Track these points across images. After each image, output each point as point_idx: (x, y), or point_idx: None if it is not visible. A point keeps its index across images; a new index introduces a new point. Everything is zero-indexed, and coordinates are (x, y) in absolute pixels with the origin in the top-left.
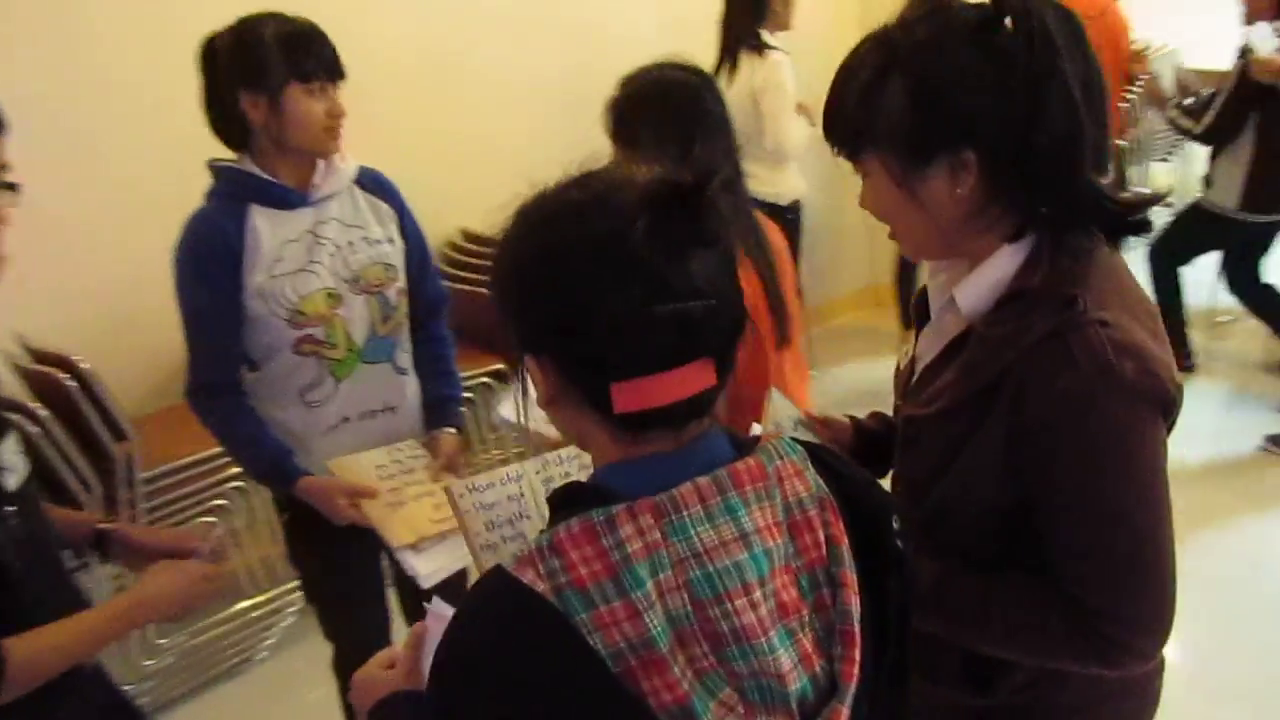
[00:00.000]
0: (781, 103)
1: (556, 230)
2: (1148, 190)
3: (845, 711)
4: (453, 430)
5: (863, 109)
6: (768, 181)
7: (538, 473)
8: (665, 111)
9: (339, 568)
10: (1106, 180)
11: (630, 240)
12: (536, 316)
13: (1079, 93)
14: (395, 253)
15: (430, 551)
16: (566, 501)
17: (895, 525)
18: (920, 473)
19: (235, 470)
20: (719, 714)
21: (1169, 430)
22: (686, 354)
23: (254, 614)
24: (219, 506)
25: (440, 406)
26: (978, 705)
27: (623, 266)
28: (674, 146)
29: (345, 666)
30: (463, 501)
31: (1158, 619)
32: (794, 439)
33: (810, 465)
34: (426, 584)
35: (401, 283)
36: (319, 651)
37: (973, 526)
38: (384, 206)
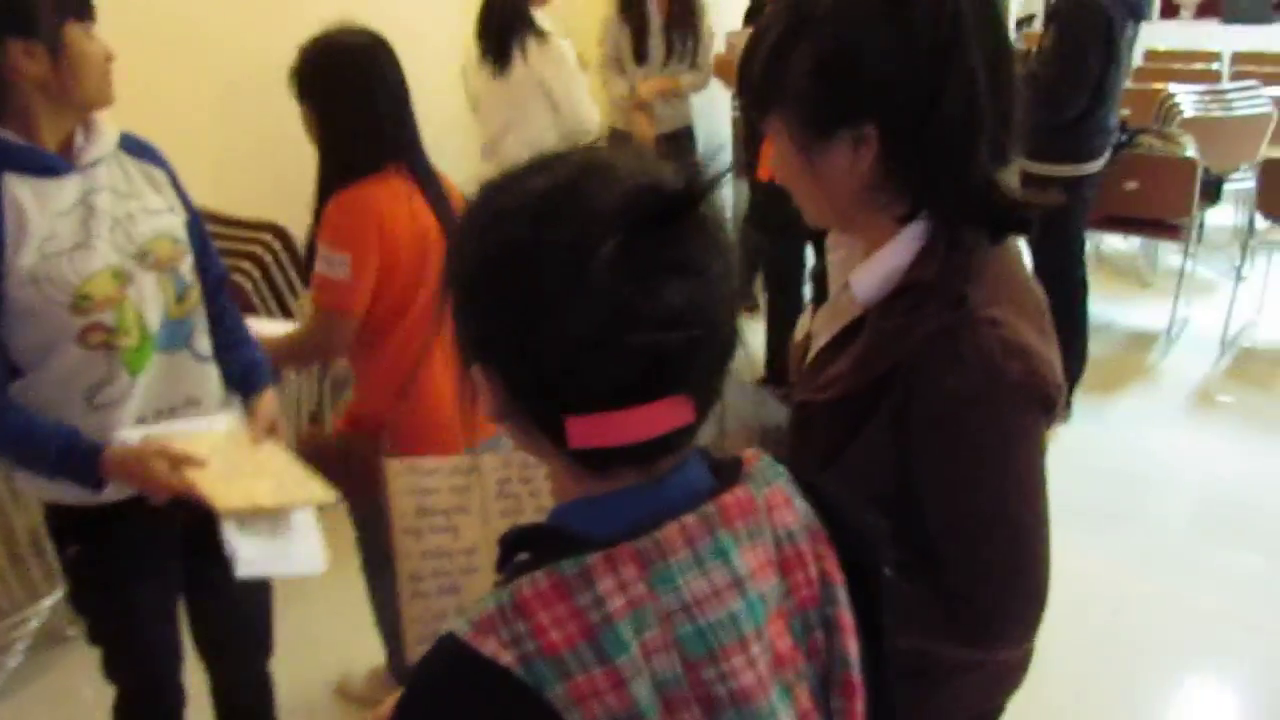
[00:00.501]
0: (575, 84)
1: (512, 229)
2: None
3: None
4: (268, 389)
5: (770, 72)
6: None
7: (495, 472)
8: (344, 72)
9: (132, 607)
10: (1006, 170)
11: (595, 260)
12: (484, 324)
13: (984, 76)
14: (179, 225)
15: (258, 537)
16: (522, 546)
17: (885, 553)
18: (812, 461)
19: None
20: None
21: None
22: (657, 389)
23: None
24: None
25: (249, 372)
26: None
27: (582, 288)
28: (355, 106)
29: (129, 713)
30: (397, 481)
31: (1030, 610)
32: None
33: (796, 491)
34: (241, 572)
35: (192, 258)
36: (49, 697)
37: None
38: (157, 173)
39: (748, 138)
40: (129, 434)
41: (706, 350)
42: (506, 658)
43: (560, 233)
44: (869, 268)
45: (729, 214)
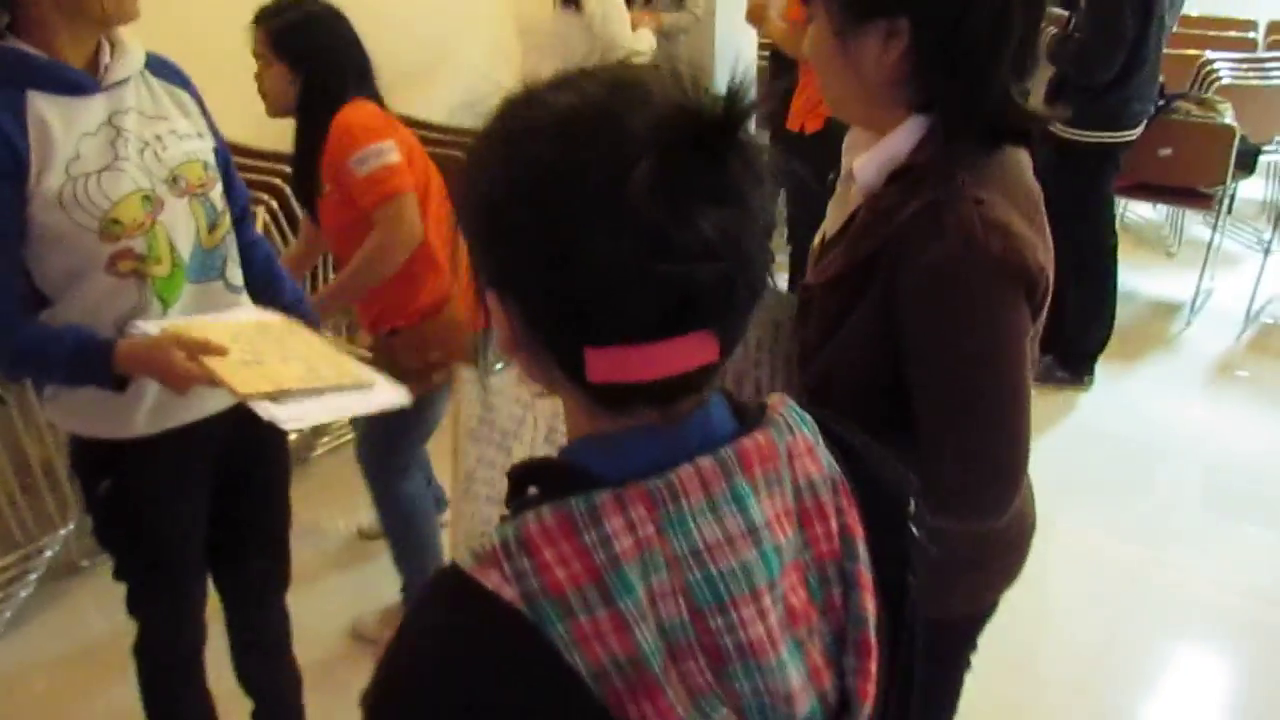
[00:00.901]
0: (615, 10)
1: (539, 149)
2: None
3: None
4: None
5: None
6: None
7: (545, 419)
8: (325, 24)
9: (161, 543)
10: (1026, 85)
11: (629, 184)
12: (503, 250)
13: None
14: (208, 150)
15: (293, 402)
16: (531, 481)
17: (913, 509)
18: (811, 339)
19: None
20: None
21: (1035, 313)
22: (684, 323)
23: None
24: None
25: (289, 311)
26: None
27: (615, 213)
28: (336, 49)
29: (151, 648)
30: (465, 388)
31: (1001, 479)
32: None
33: (821, 440)
34: (288, 426)
35: (222, 185)
36: (61, 628)
37: (855, 393)
38: (184, 96)
39: (773, 88)
40: (146, 325)
41: (738, 285)
42: (509, 592)
43: (591, 153)
44: (870, 155)
45: None
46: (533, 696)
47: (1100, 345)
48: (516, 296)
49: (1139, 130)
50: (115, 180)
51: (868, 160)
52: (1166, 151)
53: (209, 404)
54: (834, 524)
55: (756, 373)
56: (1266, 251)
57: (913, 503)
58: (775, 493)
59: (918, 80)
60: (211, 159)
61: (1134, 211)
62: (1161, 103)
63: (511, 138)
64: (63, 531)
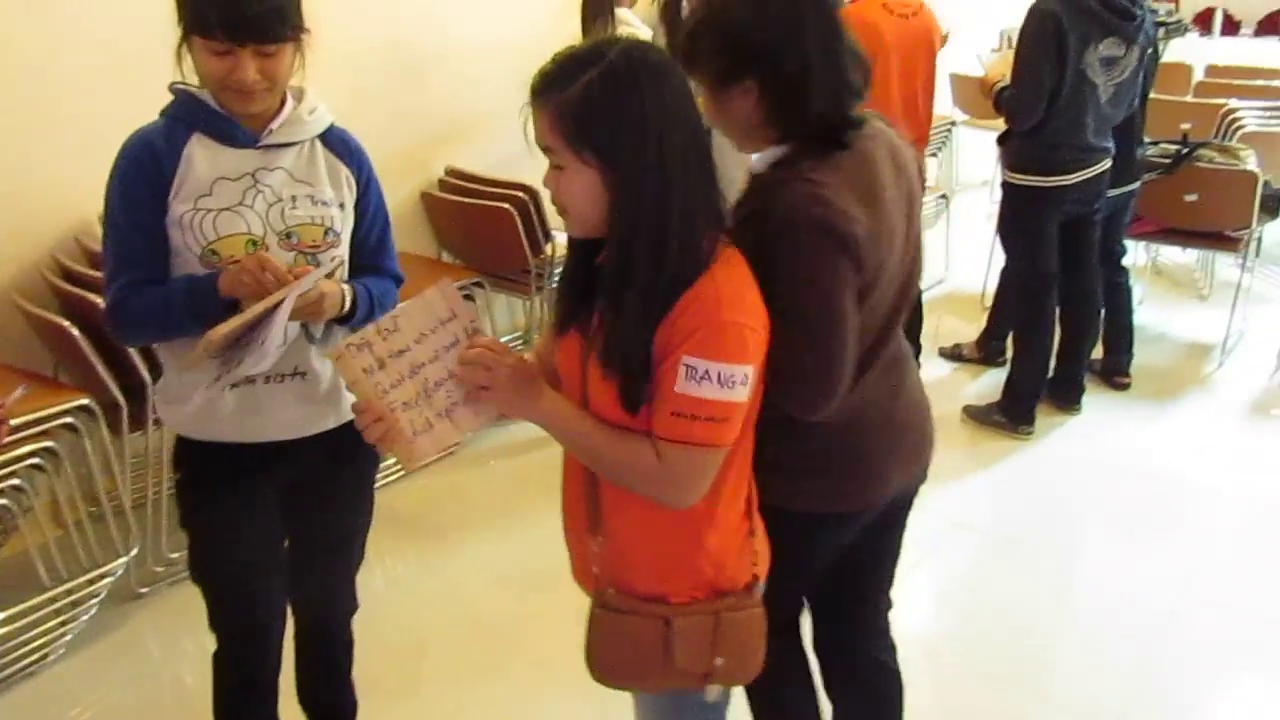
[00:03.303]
0: None
1: None
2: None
3: None
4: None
5: (688, 50)
6: None
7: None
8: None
9: (240, 538)
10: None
11: None
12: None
13: (817, 48)
14: (342, 218)
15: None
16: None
17: None
18: None
19: (33, 446)
20: None
21: (858, 268)
22: None
23: (50, 608)
24: (13, 487)
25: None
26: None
27: None
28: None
29: (229, 662)
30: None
31: (818, 385)
32: None
33: None
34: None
35: (341, 251)
36: (119, 650)
37: None
38: (344, 170)
39: None
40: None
41: None
42: None
43: None
44: (759, 157)
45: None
46: None
47: (1035, 388)
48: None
49: (1074, 177)
50: (230, 220)
51: (757, 160)
52: (1192, 197)
53: (271, 428)
54: None
55: None
56: None
57: None
58: None
59: (771, 116)
60: (341, 227)
61: (1166, 255)
62: (1184, 149)
63: None
64: (124, 558)
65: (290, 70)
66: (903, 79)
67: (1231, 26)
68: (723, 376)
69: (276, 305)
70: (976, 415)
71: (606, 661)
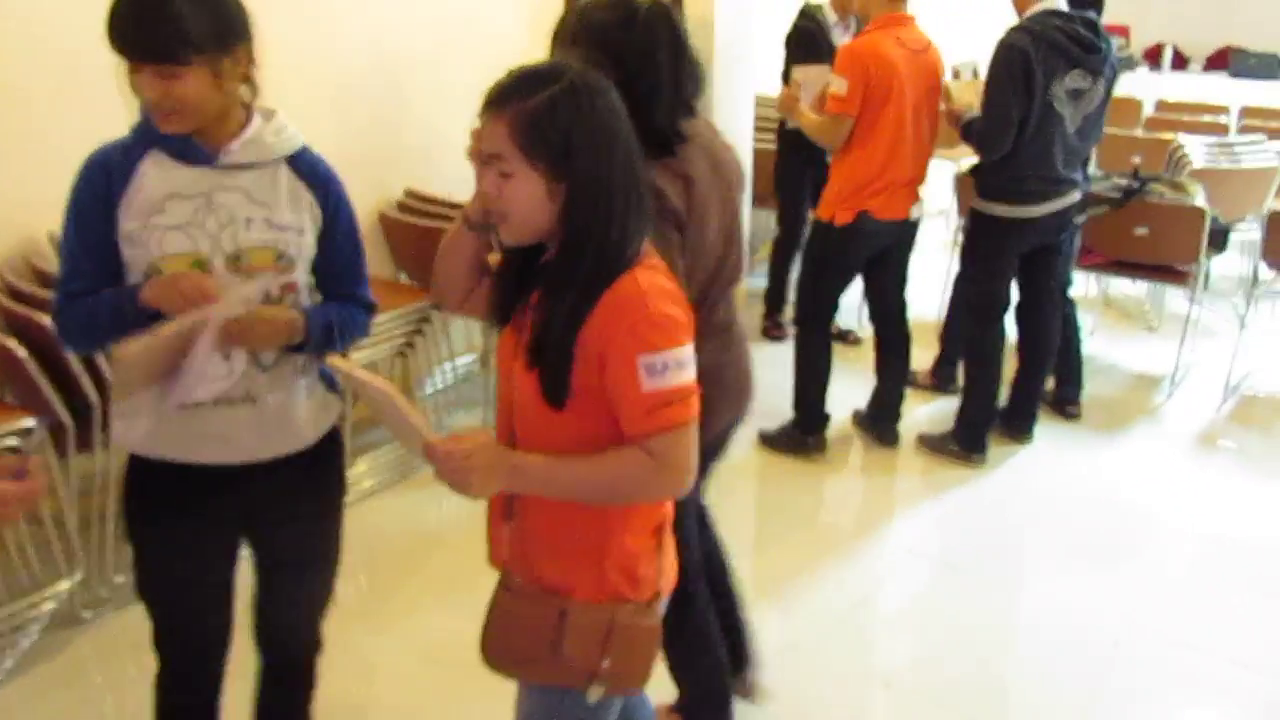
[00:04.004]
0: None
1: None
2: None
3: None
4: (306, 319)
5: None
6: None
7: None
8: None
9: (184, 555)
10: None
11: None
12: None
13: (669, 74)
14: (300, 245)
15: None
16: None
17: None
18: None
19: None
20: None
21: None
22: None
23: None
24: None
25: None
26: None
27: None
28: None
29: (167, 682)
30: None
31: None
32: None
33: None
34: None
35: (294, 278)
36: (60, 677)
37: None
38: (307, 196)
39: (787, 175)
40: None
41: None
42: None
43: None
44: None
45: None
46: None
47: (986, 416)
48: None
49: (1042, 209)
50: (176, 239)
51: None
52: (1142, 230)
53: (222, 452)
54: None
55: None
56: (1243, 325)
57: None
58: None
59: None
60: (298, 254)
61: (1116, 287)
62: (1136, 184)
63: None
64: (67, 583)
65: (206, 94)
66: (912, 112)
67: (1181, 62)
68: (677, 361)
69: (200, 325)
70: (932, 444)
71: (498, 645)
